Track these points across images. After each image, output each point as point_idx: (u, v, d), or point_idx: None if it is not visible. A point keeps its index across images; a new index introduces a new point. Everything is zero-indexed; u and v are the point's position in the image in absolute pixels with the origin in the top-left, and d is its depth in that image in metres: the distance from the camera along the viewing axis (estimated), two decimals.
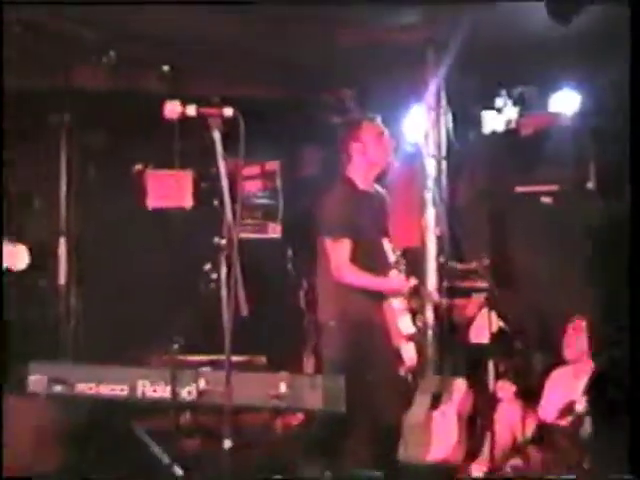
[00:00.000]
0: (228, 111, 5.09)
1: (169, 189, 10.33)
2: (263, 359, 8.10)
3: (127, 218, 10.23)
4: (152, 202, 10.34)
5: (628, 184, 4.37)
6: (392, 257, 6.76)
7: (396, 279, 6.75)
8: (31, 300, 10.13)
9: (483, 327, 7.64)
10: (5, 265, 4.59)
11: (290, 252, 9.66)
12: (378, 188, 6.92)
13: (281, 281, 9.29)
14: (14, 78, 8.65)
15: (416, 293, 7.26)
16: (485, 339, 7.48)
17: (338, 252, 6.52)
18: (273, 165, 10.20)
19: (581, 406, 6.97)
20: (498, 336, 7.66)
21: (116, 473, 7.74)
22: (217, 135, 5.08)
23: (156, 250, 9.88)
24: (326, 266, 6.65)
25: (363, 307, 6.62)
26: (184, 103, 5.17)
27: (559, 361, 7.49)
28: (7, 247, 4.82)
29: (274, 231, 10.16)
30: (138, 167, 10.36)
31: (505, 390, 7.50)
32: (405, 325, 6.80)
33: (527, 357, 7.80)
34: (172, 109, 5.16)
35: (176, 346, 6.54)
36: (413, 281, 6.91)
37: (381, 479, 6.48)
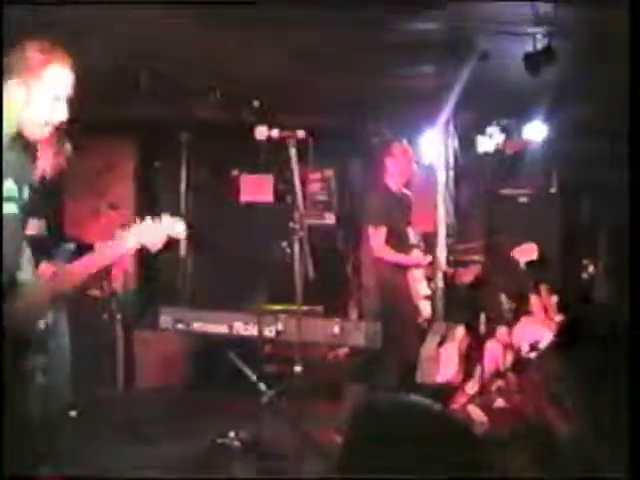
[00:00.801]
0: (301, 133, 5.15)
1: (256, 188, 10.38)
2: (320, 308, 8.12)
3: (227, 208, 10.31)
4: (244, 197, 10.40)
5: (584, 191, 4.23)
6: (415, 240, 6.80)
7: (417, 256, 6.80)
8: (160, 265, 10.24)
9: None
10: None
11: (341, 234, 9.65)
12: (405, 190, 6.94)
13: (334, 254, 9.28)
14: (154, 109, 8.79)
15: (430, 265, 7.27)
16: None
17: (376, 236, 6.58)
18: (329, 172, 10.19)
19: (543, 344, 6.98)
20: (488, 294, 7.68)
21: (217, 386, 7.83)
22: (293, 151, 5.15)
23: (247, 231, 9.91)
24: (368, 245, 6.69)
25: (393, 275, 6.66)
26: (270, 127, 5.21)
27: (528, 311, 7.47)
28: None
29: (330, 219, 10.16)
30: (234, 172, 10.42)
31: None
32: (423, 288, 6.83)
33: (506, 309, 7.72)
34: (261, 132, 5.23)
35: (262, 298, 6.55)
36: (429, 258, 6.95)
37: None
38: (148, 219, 3.55)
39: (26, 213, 3.48)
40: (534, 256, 7.26)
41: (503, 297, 7.36)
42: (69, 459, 5.61)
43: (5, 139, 3.33)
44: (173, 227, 3.58)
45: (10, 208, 3.35)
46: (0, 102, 3.51)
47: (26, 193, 3.43)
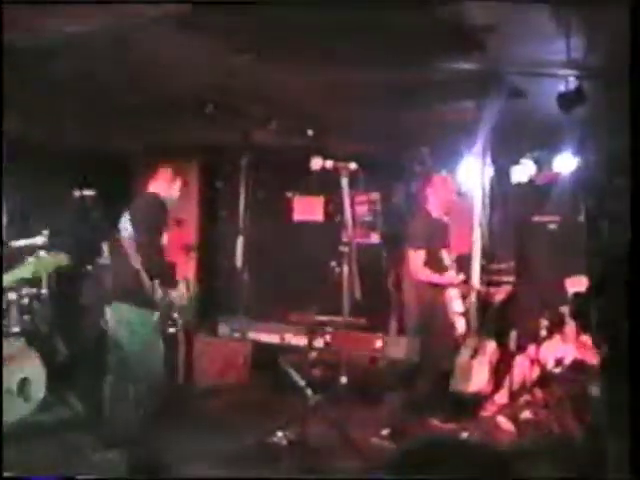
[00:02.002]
0: (352, 165, 5.20)
1: (308, 208, 10.42)
2: (364, 321, 8.10)
3: (281, 225, 10.36)
4: (297, 216, 10.46)
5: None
6: (448, 262, 6.78)
7: (450, 276, 6.78)
8: (218, 277, 10.32)
9: None
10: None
11: (384, 253, 9.63)
12: (445, 218, 6.92)
13: (378, 272, 9.26)
14: (218, 135, 8.88)
15: (465, 285, 7.24)
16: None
17: (416, 259, 6.58)
18: (375, 196, 10.19)
19: (567, 361, 6.93)
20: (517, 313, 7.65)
21: (267, 389, 7.82)
22: (345, 181, 5.19)
23: (299, 247, 9.96)
24: (408, 265, 6.69)
25: (431, 294, 6.65)
26: (325, 158, 5.24)
27: (555, 330, 7.41)
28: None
29: (375, 239, 10.14)
30: (289, 194, 10.48)
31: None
32: (457, 306, 6.81)
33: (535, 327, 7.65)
34: (317, 162, 5.26)
35: (312, 311, 6.56)
36: (461, 277, 6.92)
37: None
38: None
39: None
40: (583, 288, 7.20)
41: (543, 317, 7.31)
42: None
43: None
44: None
45: None
46: (0, 102, 3.64)
47: None
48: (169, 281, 5.65)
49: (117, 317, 5.60)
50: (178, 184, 6.15)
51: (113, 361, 5.70)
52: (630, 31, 3.86)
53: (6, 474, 4.03)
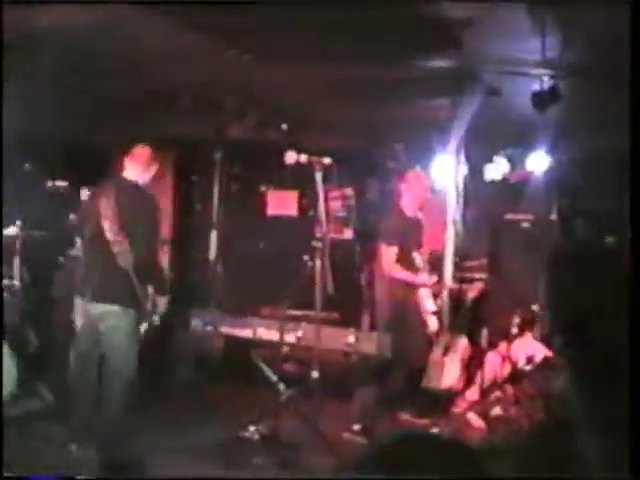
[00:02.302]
0: (327, 160, 5.18)
1: (282, 202, 10.42)
2: (336, 315, 8.10)
3: (255, 219, 10.34)
4: (270, 211, 10.45)
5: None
6: (421, 264, 6.78)
7: (423, 278, 6.78)
8: (191, 270, 10.29)
9: None
10: None
11: (357, 248, 9.63)
12: (419, 214, 6.92)
13: (351, 267, 9.26)
14: (192, 129, 8.85)
15: (437, 283, 7.25)
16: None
17: (388, 254, 6.57)
18: (349, 191, 10.19)
19: (538, 358, 6.97)
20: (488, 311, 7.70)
21: (239, 383, 7.82)
22: (319, 175, 5.19)
23: (272, 241, 9.95)
24: (380, 261, 6.69)
25: (403, 291, 6.66)
26: (299, 153, 5.24)
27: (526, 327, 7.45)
28: None
29: (348, 234, 10.14)
30: (262, 188, 10.47)
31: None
32: (429, 305, 6.83)
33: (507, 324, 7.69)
34: (291, 156, 5.26)
35: (284, 304, 6.55)
36: (434, 279, 6.94)
37: None
38: None
39: None
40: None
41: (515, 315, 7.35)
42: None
43: None
44: None
45: None
46: (0, 101, 3.63)
47: None
48: (161, 288, 5.56)
49: (99, 317, 5.47)
50: (154, 169, 5.79)
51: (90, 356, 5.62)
52: (630, 30, 3.84)
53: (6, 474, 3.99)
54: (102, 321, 5.44)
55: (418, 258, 6.78)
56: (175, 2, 4.96)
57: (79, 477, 3.57)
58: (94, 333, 5.50)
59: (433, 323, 6.90)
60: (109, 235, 5.27)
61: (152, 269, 5.49)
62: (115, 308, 5.37)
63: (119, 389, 5.50)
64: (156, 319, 5.38)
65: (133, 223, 5.34)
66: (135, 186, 5.61)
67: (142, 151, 5.72)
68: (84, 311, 5.48)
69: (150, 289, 5.33)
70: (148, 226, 5.49)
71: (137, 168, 5.67)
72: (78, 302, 5.55)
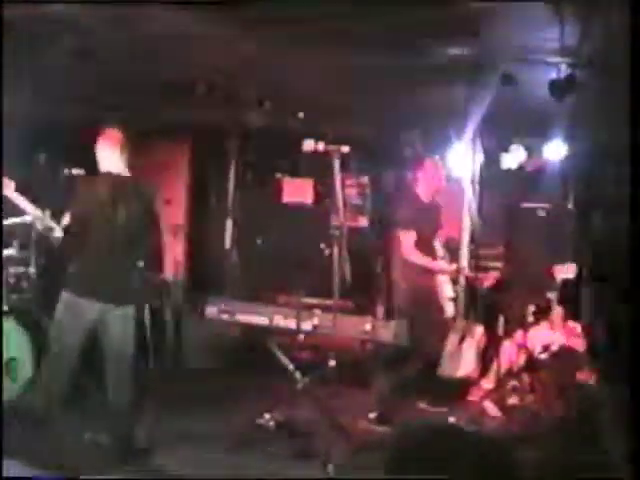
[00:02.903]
0: (345, 148, 5.17)
1: (297, 190, 10.41)
2: (352, 304, 8.10)
3: (270, 207, 10.34)
4: (286, 198, 10.45)
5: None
6: (440, 252, 6.79)
7: (442, 265, 6.78)
8: (206, 258, 10.30)
9: None
10: None
11: (372, 237, 9.64)
12: (434, 200, 6.91)
13: (367, 255, 9.25)
14: (209, 115, 8.84)
15: (456, 272, 7.24)
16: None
17: (407, 239, 6.56)
18: (364, 180, 10.18)
19: (554, 347, 6.95)
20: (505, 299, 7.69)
21: (255, 371, 7.83)
22: (337, 163, 5.15)
23: (287, 229, 9.93)
24: (398, 248, 6.68)
25: (420, 277, 6.65)
26: (317, 141, 5.22)
27: (542, 316, 7.44)
28: None
29: (364, 223, 10.14)
30: (278, 176, 10.46)
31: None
32: (447, 290, 6.82)
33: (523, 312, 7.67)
34: (309, 144, 5.24)
35: (300, 292, 6.53)
36: (453, 266, 6.94)
37: None
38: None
39: None
40: (572, 275, 7.21)
41: (531, 303, 7.34)
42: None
43: None
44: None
45: None
46: (0, 100, 3.65)
47: None
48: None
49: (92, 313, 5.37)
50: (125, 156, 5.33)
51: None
52: (630, 25, 3.82)
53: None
54: (98, 320, 5.33)
55: (438, 245, 6.79)
56: None
57: (83, 477, 3.56)
58: (84, 328, 5.34)
59: (450, 309, 6.90)
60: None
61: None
62: (113, 307, 5.28)
63: (124, 380, 5.43)
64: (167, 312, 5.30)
65: (122, 216, 5.22)
66: (122, 176, 5.37)
67: (113, 134, 5.33)
68: (74, 305, 5.31)
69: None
70: (141, 219, 5.34)
71: (108, 152, 5.32)
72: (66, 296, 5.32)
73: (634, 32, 3.81)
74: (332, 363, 5.09)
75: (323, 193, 10.14)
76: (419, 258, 6.62)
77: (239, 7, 5.25)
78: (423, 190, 6.82)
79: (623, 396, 5.03)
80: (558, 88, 6.20)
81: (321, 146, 5.28)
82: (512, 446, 1.99)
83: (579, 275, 7.46)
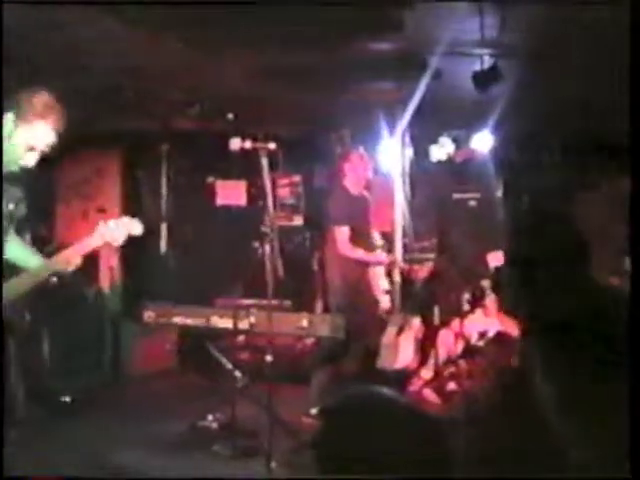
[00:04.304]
0: (272, 145, 5.16)
1: (230, 193, 10.37)
2: (289, 303, 8.11)
3: (203, 211, 10.29)
4: (220, 201, 10.40)
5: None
6: (379, 241, 6.84)
7: (379, 255, 6.83)
8: (143, 263, 10.20)
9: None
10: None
11: (307, 234, 9.64)
12: (364, 193, 6.94)
13: (303, 253, 9.27)
14: (137, 121, 8.76)
15: (392, 263, 7.29)
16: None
17: (341, 234, 6.58)
18: (296, 178, 10.19)
19: (490, 333, 7.05)
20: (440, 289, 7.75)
21: (196, 373, 7.81)
22: (264, 160, 5.16)
23: (221, 232, 9.90)
24: (333, 244, 6.69)
25: (355, 271, 6.68)
26: (243, 139, 5.21)
27: (477, 304, 7.54)
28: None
29: (297, 221, 10.14)
30: (210, 179, 10.41)
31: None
32: (383, 284, 6.87)
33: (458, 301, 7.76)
34: (235, 143, 5.22)
35: (237, 293, 6.53)
36: (391, 256, 6.99)
37: None
38: (111, 221, 3.80)
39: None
40: (501, 262, 7.32)
41: (465, 292, 7.42)
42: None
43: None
44: (132, 226, 3.74)
45: None
46: (0, 102, 3.60)
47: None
48: None
49: None
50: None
51: None
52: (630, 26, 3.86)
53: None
54: None
55: (376, 235, 6.83)
56: None
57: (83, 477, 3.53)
58: None
59: (386, 302, 6.94)
60: None
61: None
62: None
63: None
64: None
65: None
66: None
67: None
68: None
69: None
70: None
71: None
72: None
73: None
74: (269, 358, 5.08)
75: (257, 195, 10.10)
76: (354, 252, 6.64)
77: (161, 9, 5.21)
78: (351, 183, 6.85)
79: (558, 379, 5.13)
80: (481, 79, 6.27)
81: (248, 144, 5.26)
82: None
83: (510, 261, 7.57)
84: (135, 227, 3.84)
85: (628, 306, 3.43)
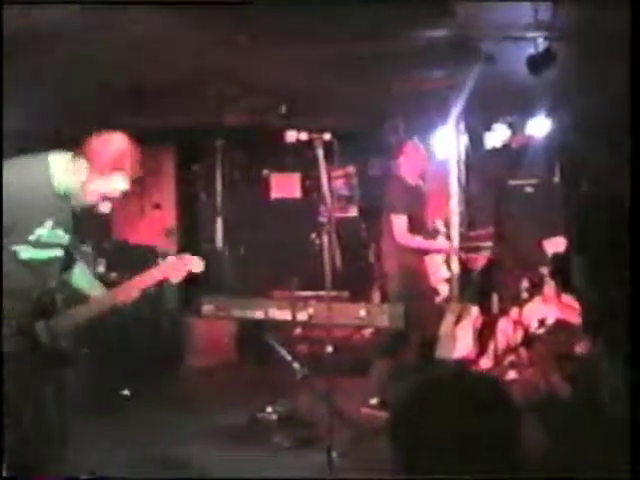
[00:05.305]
0: (327, 136, 5.13)
1: (285, 186, 10.39)
2: (347, 294, 8.10)
3: (259, 203, 10.31)
4: (274, 194, 10.42)
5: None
6: (441, 228, 6.81)
7: (440, 243, 6.81)
8: (200, 256, 10.25)
9: None
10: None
11: (363, 225, 9.62)
12: (420, 182, 6.91)
13: (357, 244, 9.25)
14: (192, 118, 8.81)
15: (450, 252, 7.26)
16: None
17: (399, 223, 6.55)
18: (351, 169, 10.16)
19: (550, 321, 6.96)
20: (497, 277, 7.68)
21: (256, 365, 7.84)
22: (320, 151, 5.13)
23: (277, 224, 9.90)
24: (390, 233, 6.67)
25: (413, 261, 6.65)
26: (299, 131, 5.19)
27: (536, 292, 7.45)
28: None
29: (352, 212, 10.12)
30: (265, 172, 10.43)
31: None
32: (443, 272, 6.83)
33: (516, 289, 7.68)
34: (291, 135, 5.21)
35: (294, 285, 6.52)
36: (452, 243, 6.96)
37: None
38: (170, 257, 3.89)
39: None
40: (562, 248, 7.22)
41: (524, 279, 7.34)
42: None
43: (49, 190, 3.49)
44: (192, 264, 3.77)
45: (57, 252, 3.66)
46: (0, 103, 3.60)
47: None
48: None
49: None
50: None
51: None
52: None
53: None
54: None
55: (439, 223, 6.80)
56: None
57: (82, 477, 3.56)
58: None
59: (444, 290, 6.90)
60: None
61: None
62: None
63: None
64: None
65: None
66: None
67: None
68: None
69: None
70: None
71: None
72: None
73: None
74: (329, 352, 5.06)
75: (311, 187, 10.11)
76: (414, 240, 6.62)
77: (214, 7, 5.23)
78: (407, 172, 6.83)
79: (620, 366, 5.04)
80: (536, 63, 6.19)
81: (304, 135, 5.26)
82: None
83: (569, 247, 7.47)
84: (196, 264, 3.88)
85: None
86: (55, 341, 3.64)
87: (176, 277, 3.81)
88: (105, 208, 3.58)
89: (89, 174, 3.46)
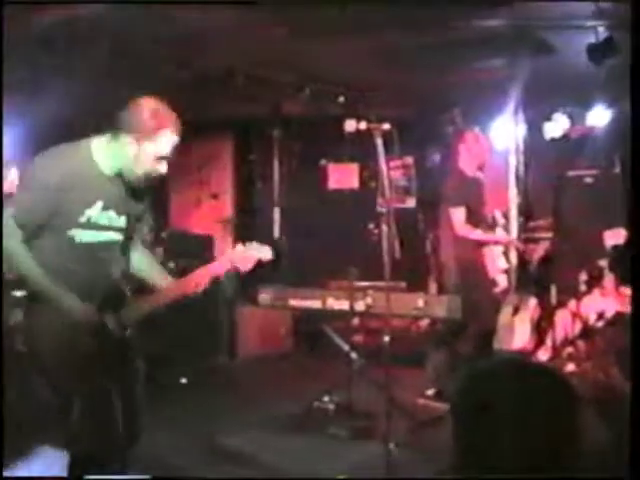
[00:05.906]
0: (386, 126, 5.12)
1: (342, 176, 10.40)
2: (404, 284, 8.10)
3: (316, 194, 10.34)
4: (332, 184, 10.44)
5: None
6: (500, 220, 6.78)
7: (498, 235, 6.78)
8: None
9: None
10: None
11: (420, 216, 9.59)
12: (478, 173, 6.87)
13: (416, 235, 9.23)
14: (249, 107, 8.85)
15: (508, 243, 7.23)
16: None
17: (457, 216, 6.53)
18: (409, 160, 10.12)
19: (609, 314, 6.88)
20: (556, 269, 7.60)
21: (312, 354, 7.88)
22: (379, 141, 5.11)
23: (334, 214, 9.91)
24: (448, 225, 6.65)
25: (471, 252, 6.62)
26: (358, 120, 5.20)
27: (594, 284, 7.36)
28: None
29: (410, 202, 10.09)
30: (323, 162, 10.45)
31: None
32: (501, 263, 6.80)
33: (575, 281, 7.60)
34: (350, 125, 5.20)
35: (352, 275, 6.52)
36: (511, 235, 6.93)
37: None
38: (239, 246, 3.79)
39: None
40: (622, 240, 7.14)
41: (582, 271, 7.27)
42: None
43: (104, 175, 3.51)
44: (261, 252, 3.73)
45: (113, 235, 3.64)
46: (0, 101, 3.62)
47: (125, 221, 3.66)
48: None
49: None
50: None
51: None
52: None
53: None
54: None
55: (497, 214, 6.77)
56: None
57: (86, 477, 3.60)
58: None
59: (502, 281, 6.87)
60: None
61: None
62: None
63: None
64: None
65: None
66: None
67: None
68: None
69: None
70: None
71: None
72: None
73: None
74: (387, 339, 5.06)
75: (368, 177, 10.11)
76: (473, 232, 6.59)
77: None
78: (466, 163, 6.79)
79: None
80: (597, 52, 6.11)
81: (363, 125, 5.26)
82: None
83: (630, 240, 7.36)
84: (264, 252, 3.85)
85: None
86: (125, 333, 3.67)
87: (244, 266, 3.78)
88: (162, 168, 3.55)
89: (136, 143, 3.45)
